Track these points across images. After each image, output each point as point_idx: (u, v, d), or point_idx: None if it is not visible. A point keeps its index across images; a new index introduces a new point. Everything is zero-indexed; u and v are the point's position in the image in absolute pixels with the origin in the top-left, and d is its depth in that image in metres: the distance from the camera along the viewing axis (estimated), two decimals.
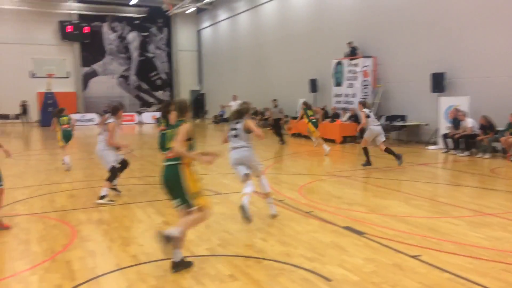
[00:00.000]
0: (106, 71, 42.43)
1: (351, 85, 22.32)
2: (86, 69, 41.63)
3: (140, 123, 39.69)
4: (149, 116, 40.29)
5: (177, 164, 5.20)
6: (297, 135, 23.58)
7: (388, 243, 6.26)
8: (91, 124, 37.67)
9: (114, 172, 9.60)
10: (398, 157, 12.83)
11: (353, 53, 22.53)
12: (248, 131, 7.30)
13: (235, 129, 7.36)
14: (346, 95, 22.55)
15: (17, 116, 36.98)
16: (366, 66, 21.76)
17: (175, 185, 5.18)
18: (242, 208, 6.90)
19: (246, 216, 6.86)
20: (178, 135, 5.19)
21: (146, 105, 43.97)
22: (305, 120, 17.49)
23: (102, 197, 9.18)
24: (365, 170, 12.94)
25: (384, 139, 13.04)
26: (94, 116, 38.59)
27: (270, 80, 31.97)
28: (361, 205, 8.73)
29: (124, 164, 10.10)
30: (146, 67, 43.89)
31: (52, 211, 8.66)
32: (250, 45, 34.82)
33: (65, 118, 14.08)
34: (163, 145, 10.14)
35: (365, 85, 21.77)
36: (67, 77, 38.02)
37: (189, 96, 44.53)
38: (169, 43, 44.55)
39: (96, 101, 41.05)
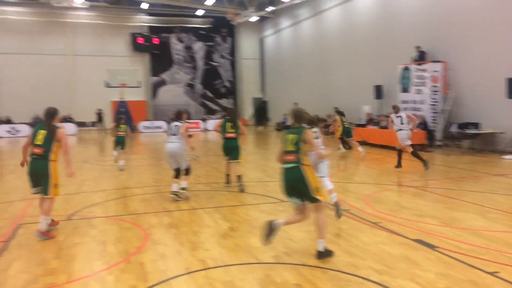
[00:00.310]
0: (173, 80, 43.42)
1: (419, 91, 21.68)
2: (155, 78, 42.81)
3: (205, 130, 40.26)
4: (213, 123, 40.63)
5: (299, 165, 5.81)
6: (362, 143, 23.12)
7: (463, 258, 5.95)
8: (159, 131, 38.38)
9: (189, 171, 10.21)
10: (425, 162, 13.48)
11: (421, 58, 21.91)
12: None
13: None
14: (414, 102, 21.93)
15: (93, 124, 38.15)
16: (435, 71, 21.10)
17: (300, 185, 5.77)
18: (336, 205, 7.74)
19: (339, 213, 7.75)
20: (310, 140, 5.82)
21: (210, 112, 44.43)
22: (339, 126, 18.21)
23: (183, 189, 10.00)
24: (436, 181, 12.41)
25: (408, 143, 13.76)
26: (162, 123, 39.36)
27: (333, 87, 31.52)
28: (432, 217, 8.31)
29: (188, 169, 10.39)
30: (210, 76, 44.60)
31: (126, 214, 8.92)
32: (313, 52, 34.52)
33: (123, 126, 15.31)
34: (228, 150, 10.94)
35: (435, 91, 21.09)
36: (138, 87, 39.16)
37: (251, 104, 44.88)
38: (232, 52, 45.05)
39: (164, 108, 41.89)
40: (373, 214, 8.59)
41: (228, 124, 10.90)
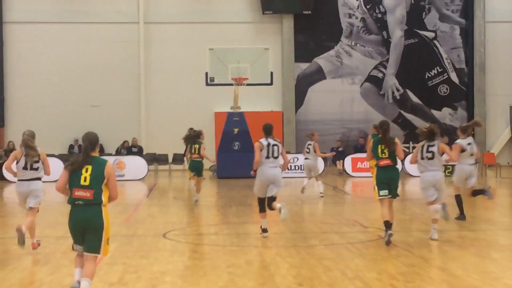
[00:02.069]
0: (340, 69, 24.42)
1: None
2: (304, 66, 24.67)
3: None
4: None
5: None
6: None
7: None
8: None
9: None
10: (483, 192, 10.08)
11: None
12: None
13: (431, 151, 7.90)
14: None
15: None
16: None
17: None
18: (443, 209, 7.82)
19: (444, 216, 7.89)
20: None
21: (411, 134, 23.00)
22: None
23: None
24: None
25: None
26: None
27: None
28: None
29: None
30: (416, 60, 24.25)
31: None
32: None
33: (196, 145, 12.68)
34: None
35: None
36: (268, 84, 22.78)
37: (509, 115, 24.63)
38: (467, 9, 24.39)
39: (321, 128, 23.69)
40: None
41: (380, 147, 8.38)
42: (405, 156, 9.75)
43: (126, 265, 6.45)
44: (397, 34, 23.63)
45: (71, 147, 21.75)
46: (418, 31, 23.87)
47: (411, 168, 19.84)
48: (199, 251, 7.27)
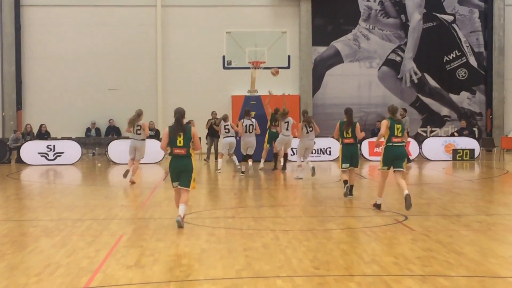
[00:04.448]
0: (357, 53, 23.68)
1: None
2: (321, 50, 23.85)
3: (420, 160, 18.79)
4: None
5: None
6: None
7: None
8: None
9: None
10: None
11: None
12: None
13: None
14: None
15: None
16: None
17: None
18: None
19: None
20: None
21: (431, 120, 23.47)
22: None
23: None
24: None
25: None
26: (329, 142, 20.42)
27: None
28: None
29: None
30: (435, 44, 23.36)
31: None
32: None
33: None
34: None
35: None
36: (285, 67, 21.85)
37: None
38: None
39: (337, 112, 22.34)
40: None
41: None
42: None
43: (143, 248, 6.43)
44: (415, 17, 22.94)
45: (88, 130, 21.54)
46: (436, 14, 23.10)
47: (428, 153, 19.66)
48: (216, 235, 7.23)
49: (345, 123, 10.06)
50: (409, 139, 20.44)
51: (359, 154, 11.06)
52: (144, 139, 12.69)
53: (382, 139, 9.04)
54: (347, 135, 10.06)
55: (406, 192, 8.37)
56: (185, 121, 7.72)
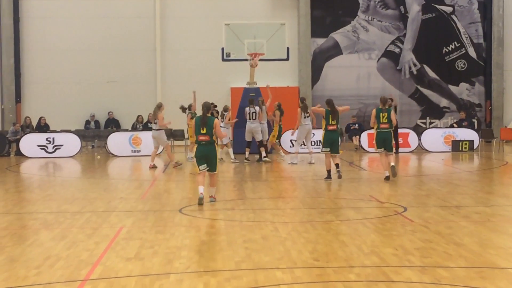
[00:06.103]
0: (356, 44, 23.75)
1: None
2: (320, 42, 23.91)
3: (420, 152, 18.57)
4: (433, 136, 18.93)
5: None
6: None
7: None
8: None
9: None
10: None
11: None
12: None
13: None
14: None
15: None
16: None
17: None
18: None
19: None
20: None
21: (431, 111, 23.55)
22: None
23: None
24: None
25: None
26: None
27: None
28: None
29: None
30: (434, 35, 23.40)
31: None
32: None
33: None
34: None
35: None
36: (284, 59, 22.12)
37: None
38: None
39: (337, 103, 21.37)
40: None
41: None
42: None
43: (142, 240, 6.44)
44: (414, 8, 22.88)
45: (87, 122, 21.55)
46: (435, 5, 23.01)
47: (428, 144, 19.66)
48: (216, 226, 7.24)
49: (330, 112, 11.16)
50: (408, 130, 20.72)
51: (339, 142, 12.61)
52: (159, 129, 14.16)
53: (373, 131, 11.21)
54: (332, 121, 11.18)
55: (392, 164, 10.72)
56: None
